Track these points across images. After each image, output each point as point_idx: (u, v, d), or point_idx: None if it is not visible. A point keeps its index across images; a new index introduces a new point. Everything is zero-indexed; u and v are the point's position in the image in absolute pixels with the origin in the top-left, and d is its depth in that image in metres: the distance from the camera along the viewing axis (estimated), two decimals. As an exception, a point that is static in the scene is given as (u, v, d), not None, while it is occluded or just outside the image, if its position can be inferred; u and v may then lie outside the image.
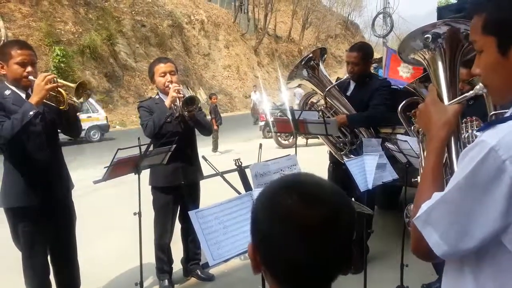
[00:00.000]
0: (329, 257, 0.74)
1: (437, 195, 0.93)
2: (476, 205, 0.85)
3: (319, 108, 3.61)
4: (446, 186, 0.93)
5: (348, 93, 3.58)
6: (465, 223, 0.87)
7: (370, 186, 2.63)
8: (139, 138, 2.73)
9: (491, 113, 1.50)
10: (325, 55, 3.74)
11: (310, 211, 0.72)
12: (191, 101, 3.10)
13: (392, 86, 4.14)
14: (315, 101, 3.85)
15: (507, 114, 0.91)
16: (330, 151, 3.71)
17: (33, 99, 2.40)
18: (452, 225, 0.89)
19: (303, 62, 3.56)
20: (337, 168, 3.54)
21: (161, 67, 3.26)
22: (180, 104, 3.11)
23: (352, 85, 3.61)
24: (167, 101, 3.14)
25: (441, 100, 1.22)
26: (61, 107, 2.56)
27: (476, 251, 0.89)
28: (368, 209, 2.32)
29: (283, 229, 0.73)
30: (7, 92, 2.52)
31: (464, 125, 2.38)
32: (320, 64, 3.57)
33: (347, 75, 3.54)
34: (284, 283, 0.77)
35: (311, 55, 3.57)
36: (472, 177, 0.86)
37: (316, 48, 3.75)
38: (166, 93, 3.20)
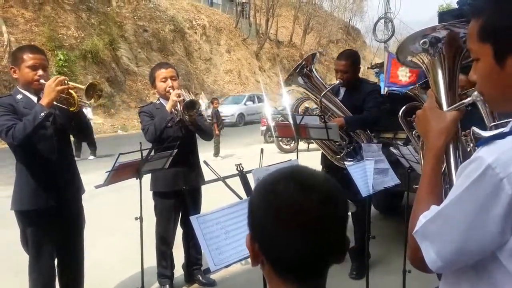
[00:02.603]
0: (322, 243, 0.75)
1: (434, 209, 0.92)
2: (472, 223, 0.84)
3: (314, 113, 3.63)
4: (444, 196, 0.92)
5: (339, 98, 3.63)
6: (460, 240, 0.86)
7: (371, 191, 2.62)
8: (140, 143, 2.74)
9: (491, 124, 1.47)
10: (316, 58, 3.78)
11: (304, 198, 0.74)
12: (191, 105, 3.11)
13: (393, 91, 4.14)
14: (311, 107, 3.86)
15: (507, 129, 0.89)
16: (322, 155, 3.74)
17: (44, 101, 2.42)
18: (448, 241, 0.88)
19: (297, 70, 3.59)
20: (331, 172, 3.55)
21: (162, 73, 3.27)
22: (181, 108, 3.12)
23: (342, 90, 3.68)
24: (168, 106, 3.15)
25: (440, 106, 1.20)
26: (71, 109, 2.58)
27: (473, 266, 0.89)
28: (353, 205, 2.29)
29: (278, 216, 0.75)
30: (19, 97, 2.56)
31: (464, 138, 2.35)
32: (313, 69, 3.60)
33: (340, 80, 3.58)
34: (281, 271, 0.78)
35: (303, 62, 3.60)
36: (469, 194, 0.84)
37: (308, 55, 3.77)
38: (167, 98, 3.22)
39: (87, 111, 13.24)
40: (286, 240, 0.74)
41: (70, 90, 2.52)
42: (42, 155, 2.57)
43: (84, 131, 2.82)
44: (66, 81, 2.51)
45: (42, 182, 2.57)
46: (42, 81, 2.52)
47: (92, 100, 2.62)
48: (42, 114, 2.38)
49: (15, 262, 2.82)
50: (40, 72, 2.54)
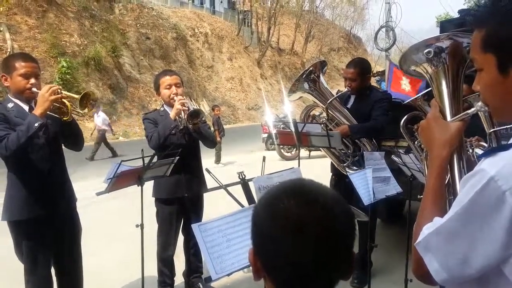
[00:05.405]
0: (325, 258, 0.73)
1: (438, 221, 0.91)
2: (475, 236, 0.83)
3: (321, 120, 3.63)
4: (448, 207, 0.91)
5: (348, 106, 3.64)
6: (464, 253, 0.85)
7: (373, 200, 2.62)
8: (142, 150, 2.74)
9: (490, 131, 1.46)
10: (325, 68, 3.79)
11: (306, 211, 0.74)
12: (196, 114, 3.12)
13: (394, 100, 4.15)
14: (317, 113, 3.86)
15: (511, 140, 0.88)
16: (332, 163, 3.72)
17: (37, 111, 2.38)
18: (451, 254, 0.87)
19: (304, 76, 3.60)
20: (340, 180, 3.54)
21: (166, 80, 3.28)
22: (185, 116, 3.13)
23: (352, 98, 3.67)
24: (172, 113, 3.16)
25: (444, 116, 1.20)
26: (64, 118, 2.55)
27: (477, 279, 0.87)
28: (364, 215, 2.29)
29: (280, 230, 0.74)
30: (10, 105, 2.52)
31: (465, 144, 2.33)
32: (321, 76, 3.61)
33: (348, 88, 3.58)
34: (282, 287, 0.77)
35: (311, 68, 3.61)
36: (471, 207, 0.83)
37: (317, 61, 3.78)
38: (171, 105, 3.22)
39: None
40: (288, 257, 0.73)
41: (63, 100, 2.48)
42: (33, 165, 2.53)
43: (76, 141, 2.79)
44: (59, 90, 2.47)
45: (33, 192, 2.53)
46: (34, 89, 2.48)
47: (86, 110, 2.59)
48: (36, 124, 2.34)
49: (15, 269, 2.80)
50: (32, 80, 2.50)
